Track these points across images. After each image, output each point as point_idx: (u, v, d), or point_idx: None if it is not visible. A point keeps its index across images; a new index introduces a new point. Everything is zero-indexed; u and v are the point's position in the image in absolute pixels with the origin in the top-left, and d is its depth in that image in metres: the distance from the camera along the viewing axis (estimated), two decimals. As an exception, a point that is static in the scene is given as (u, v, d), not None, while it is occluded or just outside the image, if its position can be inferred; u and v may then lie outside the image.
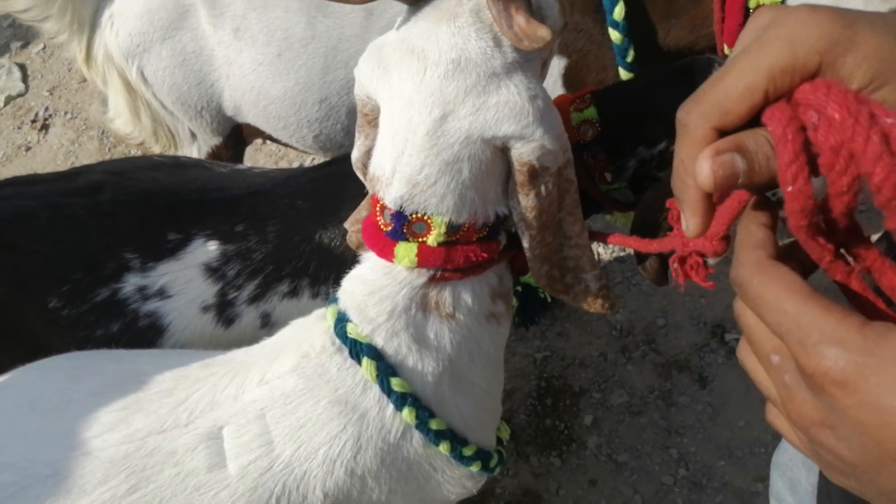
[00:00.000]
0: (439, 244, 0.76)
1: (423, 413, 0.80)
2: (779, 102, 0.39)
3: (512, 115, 0.70)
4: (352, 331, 0.79)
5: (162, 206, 1.06)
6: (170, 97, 1.39)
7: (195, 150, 1.49)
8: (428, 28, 0.72)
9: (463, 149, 0.72)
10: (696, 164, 0.40)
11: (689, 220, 0.44)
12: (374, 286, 0.80)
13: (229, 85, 1.37)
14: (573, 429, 1.77)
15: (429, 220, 0.75)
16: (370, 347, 0.78)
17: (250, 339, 0.97)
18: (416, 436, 0.82)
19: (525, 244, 0.78)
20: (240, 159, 1.57)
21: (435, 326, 0.80)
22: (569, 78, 1.30)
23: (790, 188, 0.37)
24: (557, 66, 1.29)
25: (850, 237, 0.39)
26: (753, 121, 0.40)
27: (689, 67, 0.94)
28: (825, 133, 0.36)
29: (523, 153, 0.72)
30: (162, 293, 1.04)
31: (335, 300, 0.83)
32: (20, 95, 2.52)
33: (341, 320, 0.80)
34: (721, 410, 1.77)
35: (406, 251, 0.77)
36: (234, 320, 1.06)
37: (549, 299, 1.83)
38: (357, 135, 0.84)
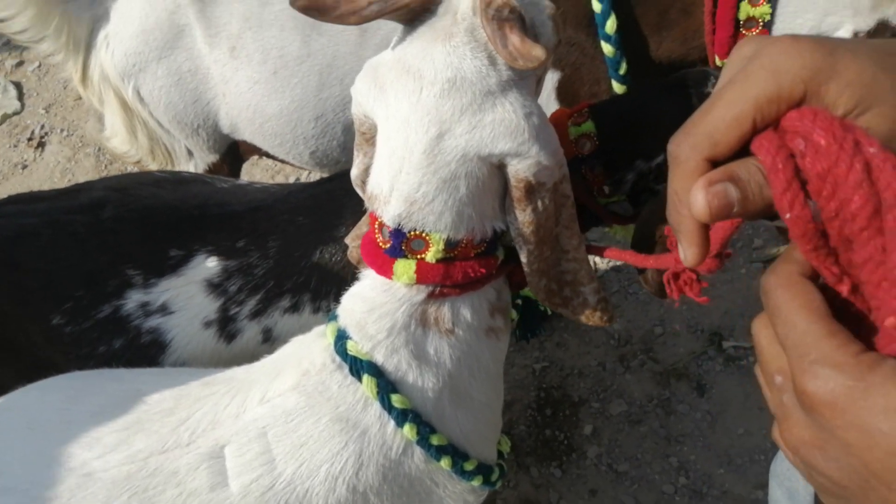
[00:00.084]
0: (438, 261, 0.77)
1: (424, 429, 0.80)
2: (766, 131, 0.40)
3: (508, 132, 0.71)
4: (352, 348, 0.79)
5: (163, 223, 1.06)
6: (166, 116, 1.40)
7: (192, 167, 1.49)
8: (423, 48, 0.73)
9: (460, 166, 0.72)
10: (691, 196, 0.41)
11: (686, 250, 0.45)
12: (374, 303, 0.80)
13: (225, 103, 1.38)
14: (573, 439, 1.77)
15: (427, 237, 0.76)
16: (370, 364, 0.79)
17: (252, 354, 0.97)
18: (418, 452, 0.82)
19: (523, 259, 0.79)
20: (237, 175, 1.57)
21: (434, 342, 0.80)
22: (562, 91, 1.31)
23: (788, 215, 0.37)
24: (551, 79, 1.30)
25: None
26: (743, 149, 0.41)
27: (685, 80, 0.95)
28: (812, 160, 0.37)
29: (519, 170, 0.72)
30: (164, 309, 1.04)
31: (335, 317, 0.84)
32: (16, 113, 2.53)
33: (341, 338, 0.81)
34: (720, 418, 1.78)
35: (405, 268, 0.77)
36: (235, 336, 1.06)
37: (549, 311, 1.84)
38: (356, 153, 0.85)
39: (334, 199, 1.07)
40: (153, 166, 1.51)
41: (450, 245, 0.76)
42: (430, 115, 0.71)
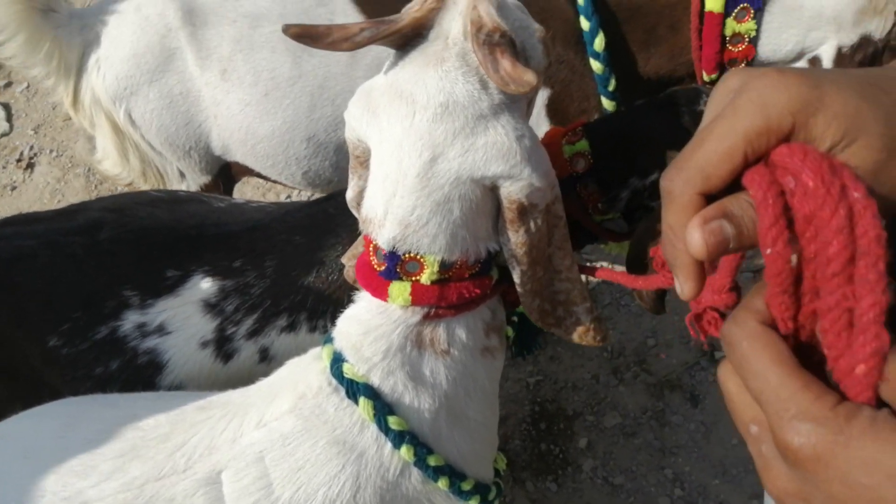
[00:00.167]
0: (433, 282, 0.77)
1: (422, 450, 0.80)
2: (758, 165, 0.40)
3: (500, 155, 0.72)
4: (348, 370, 0.80)
5: (160, 243, 1.06)
6: (158, 138, 1.40)
7: (184, 188, 1.49)
8: (415, 72, 0.74)
9: (453, 189, 0.73)
10: (687, 234, 0.41)
11: (683, 285, 0.45)
12: (369, 325, 0.80)
13: (217, 125, 1.39)
14: (568, 452, 1.77)
15: (421, 259, 0.76)
16: (367, 387, 0.79)
17: (249, 374, 0.97)
18: (415, 473, 0.82)
19: (516, 279, 0.80)
20: (229, 195, 1.57)
21: (430, 363, 0.81)
22: (552, 108, 1.33)
23: (769, 250, 0.38)
24: (541, 97, 1.31)
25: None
26: (735, 182, 0.42)
27: (677, 98, 0.97)
28: (800, 200, 0.37)
29: (512, 192, 0.73)
30: (161, 330, 1.04)
31: (330, 340, 0.84)
32: (5, 135, 2.52)
33: (337, 360, 0.81)
34: (714, 429, 1.78)
35: (400, 290, 0.78)
36: (232, 355, 1.06)
37: (541, 326, 1.84)
38: (350, 175, 0.85)
39: (331, 219, 1.08)
40: (145, 188, 1.51)
41: (444, 267, 0.77)
42: (423, 139, 0.72)
